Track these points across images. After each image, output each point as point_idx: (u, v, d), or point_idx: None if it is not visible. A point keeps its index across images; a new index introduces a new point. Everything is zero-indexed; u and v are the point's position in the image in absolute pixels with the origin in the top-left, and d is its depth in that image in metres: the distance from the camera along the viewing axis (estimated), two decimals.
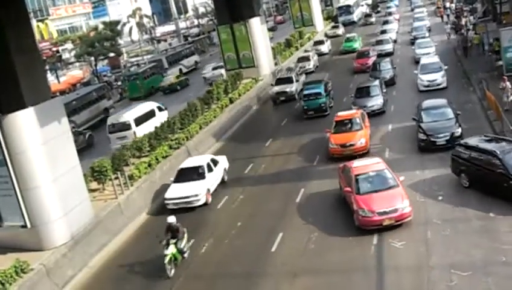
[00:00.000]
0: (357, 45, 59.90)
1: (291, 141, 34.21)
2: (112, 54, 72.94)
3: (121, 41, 79.84)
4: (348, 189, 22.03)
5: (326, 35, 73.32)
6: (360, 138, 28.49)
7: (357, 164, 23.07)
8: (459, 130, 26.80)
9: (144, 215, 27.01)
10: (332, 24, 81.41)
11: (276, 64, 53.75)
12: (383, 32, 63.59)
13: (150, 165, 29.55)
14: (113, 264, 22.96)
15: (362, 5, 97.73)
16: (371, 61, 49.30)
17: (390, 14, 78.80)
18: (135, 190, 27.66)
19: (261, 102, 45.76)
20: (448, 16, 67.33)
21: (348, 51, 59.23)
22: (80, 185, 24.70)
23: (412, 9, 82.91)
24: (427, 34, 56.68)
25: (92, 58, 70.18)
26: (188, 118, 36.17)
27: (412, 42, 55.13)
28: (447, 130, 26.80)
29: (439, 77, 37.84)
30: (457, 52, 48.87)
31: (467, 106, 33.10)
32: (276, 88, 44.79)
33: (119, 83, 64.91)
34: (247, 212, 25.27)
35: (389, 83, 41.28)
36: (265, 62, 50.68)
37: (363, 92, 36.68)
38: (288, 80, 45.30)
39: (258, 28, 49.73)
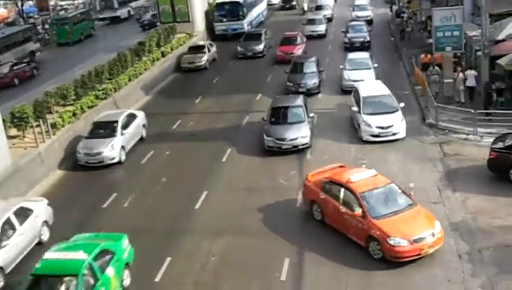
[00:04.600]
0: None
1: (222, 99, 34.06)
2: None
3: None
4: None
5: (180, 65, 41.87)
6: (433, 223, 17.11)
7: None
8: None
9: (65, 166, 26.31)
10: (193, 42, 46.04)
11: None
12: (318, 8, 56.76)
13: (74, 114, 28.78)
14: None
15: None
16: (297, 50, 40.65)
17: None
18: (57, 139, 26.85)
19: None
20: None
21: None
22: None
23: None
24: (368, 38, 42.25)
25: None
26: (117, 69, 35.24)
27: (347, 47, 41.76)
28: None
29: (396, 121, 25.52)
30: (391, 26, 49.58)
31: (396, 79, 33.84)
32: None
33: (47, 26, 62.38)
34: (173, 169, 25.05)
35: (313, 92, 32.11)
36: (201, 18, 50.01)
37: (280, 116, 26.18)
38: None
39: None
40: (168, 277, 17.11)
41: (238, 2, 50.71)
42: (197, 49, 42.39)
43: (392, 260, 16.33)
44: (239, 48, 43.75)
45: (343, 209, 17.81)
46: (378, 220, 16.84)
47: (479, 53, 28.77)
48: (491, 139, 23.69)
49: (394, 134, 25.09)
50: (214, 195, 22.04)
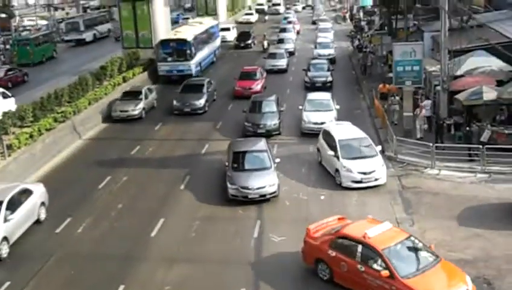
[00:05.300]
0: None
1: (182, 126, 33.85)
2: (3, 15, 68.93)
3: (14, 3, 75.78)
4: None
5: (111, 113, 35.77)
6: (464, 278, 15.83)
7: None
8: None
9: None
10: (130, 87, 39.03)
11: None
12: (280, 41, 55.45)
13: (31, 136, 28.11)
14: None
15: (229, 29, 66.29)
16: (256, 86, 38.67)
17: (289, 22, 67.52)
18: (13, 160, 26.21)
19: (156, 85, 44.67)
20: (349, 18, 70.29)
21: None
22: None
23: (314, 22, 74.75)
24: (330, 79, 40.00)
25: None
26: (78, 92, 34.75)
27: (307, 87, 39.45)
28: None
29: (377, 166, 23.90)
30: (352, 60, 50.26)
31: (356, 112, 34.24)
32: None
33: (8, 46, 61.54)
34: (130, 195, 24.59)
35: (273, 134, 30.19)
36: None
37: (243, 161, 24.02)
38: None
39: (160, 9, 48.61)
40: None
41: (185, 40, 44.95)
42: (133, 95, 36.48)
43: None
44: (175, 103, 35.74)
45: (362, 268, 15.86)
46: (409, 279, 14.96)
47: (438, 88, 29.28)
48: (449, 172, 24.02)
49: (376, 179, 23.56)
50: (170, 223, 21.68)
